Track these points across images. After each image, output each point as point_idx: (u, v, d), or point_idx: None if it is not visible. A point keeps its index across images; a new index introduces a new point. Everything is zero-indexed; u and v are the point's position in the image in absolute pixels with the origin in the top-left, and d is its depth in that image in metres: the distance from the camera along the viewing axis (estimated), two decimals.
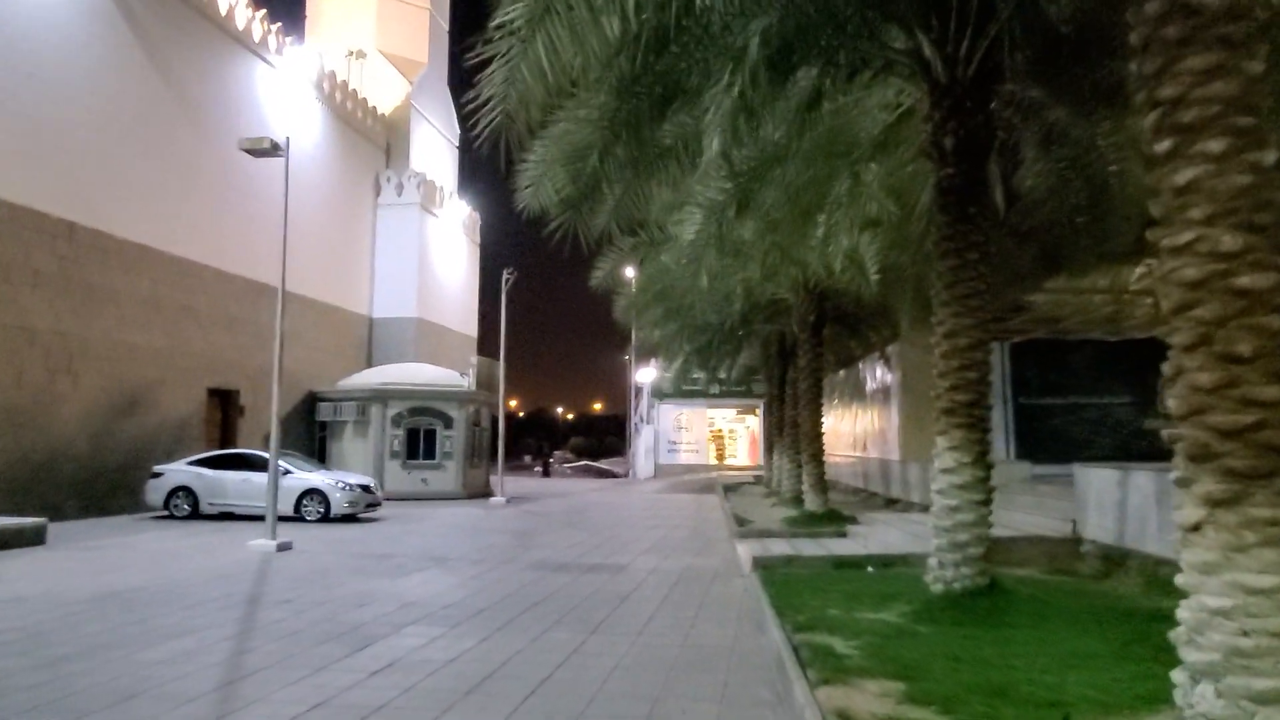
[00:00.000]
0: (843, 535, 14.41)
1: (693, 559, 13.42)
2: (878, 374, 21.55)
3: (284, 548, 13.99)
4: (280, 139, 14.83)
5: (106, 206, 20.35)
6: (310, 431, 28.90)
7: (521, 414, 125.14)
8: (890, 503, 20.33)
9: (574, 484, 40.00)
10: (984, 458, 7.79)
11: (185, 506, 19.51)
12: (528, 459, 64.85)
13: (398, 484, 27.31)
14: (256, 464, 19.59)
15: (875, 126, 10.38)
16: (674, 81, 7.52)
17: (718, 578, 11.40)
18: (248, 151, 14.64)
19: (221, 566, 12.09)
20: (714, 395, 43.22)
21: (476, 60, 6.93)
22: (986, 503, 7.76)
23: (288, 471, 19.38)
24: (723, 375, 37.15)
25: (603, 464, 63.09)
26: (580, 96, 8.07)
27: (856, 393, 24.86)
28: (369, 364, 32.67)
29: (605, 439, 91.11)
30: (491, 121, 6.99)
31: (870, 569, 10.01)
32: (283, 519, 18.86)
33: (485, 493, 28.43)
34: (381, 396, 27.66)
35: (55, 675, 6.50)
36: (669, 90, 7.65)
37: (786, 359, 23.33)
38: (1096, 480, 9.64)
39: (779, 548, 12.81)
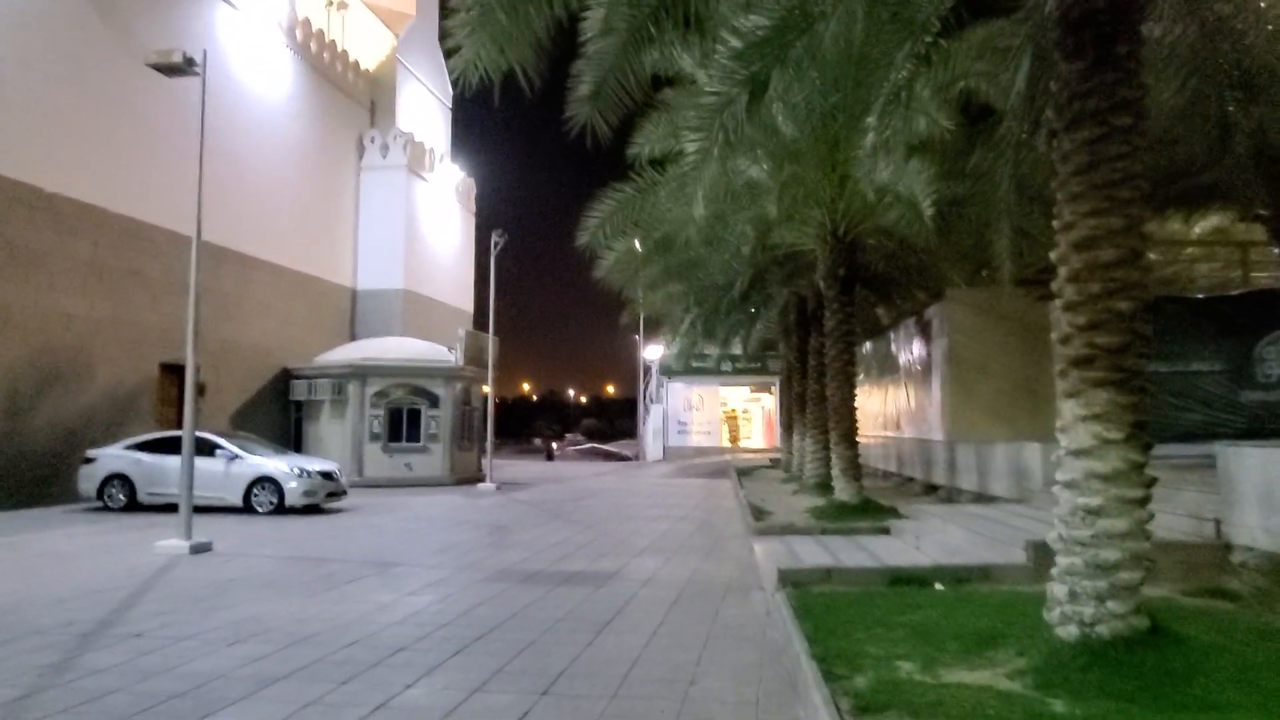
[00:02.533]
0: (884, 532, 11.77)
1: (700, 563, 10.79)
2: (914, 342, 18.80)
3: (200, 550, 11.45)
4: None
5: (33, 157, 17.77)
6: (285, 412, 26.40)
7: (535, 396, 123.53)
8: (930, 489, 17.64)
9: (578, 468, 37.44)
10: (1141, 433, 5.11)
11: (121, 497, 17.03)
12: (538, 442, 62.50)
13: (379, 469, 24.84)
14: (203, 448, 16.98)
15: None
16: None
17: (731, 592, 8.78)
18: (157, 68, 11.99)
19: (101, 578, 9.53)
20: (726, 372, 40.48)
21: None
22: (1144, 501, 5.08)
23: (235, 456, 16.90)
24: (735, 350, 34.49)
25: (611, 446, 60.46)
26: None
27: (886, 365, 22.11)
28: (353, 339, 30.13)
29: (617, 421, 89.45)
30: None
31: (939, 586, 7.35)
32: (232, 511, 16.57)
33: (476, 478, 25.87)
34: (360, 373, 25.08)
35: None
36: None
37: (808, 327, 20.62)
38: (1259, 466, 6.95)
39: (809, 551, 10.17)
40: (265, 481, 16.75)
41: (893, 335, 21.37)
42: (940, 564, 7.97)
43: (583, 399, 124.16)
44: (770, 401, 42.42)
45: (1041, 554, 7.40)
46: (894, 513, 13.32)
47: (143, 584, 9.20)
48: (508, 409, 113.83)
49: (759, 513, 14.32)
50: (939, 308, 16.47)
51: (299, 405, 26.31)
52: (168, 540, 11.53)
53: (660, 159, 14.78)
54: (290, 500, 16.60)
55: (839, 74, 12.55)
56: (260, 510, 16.57)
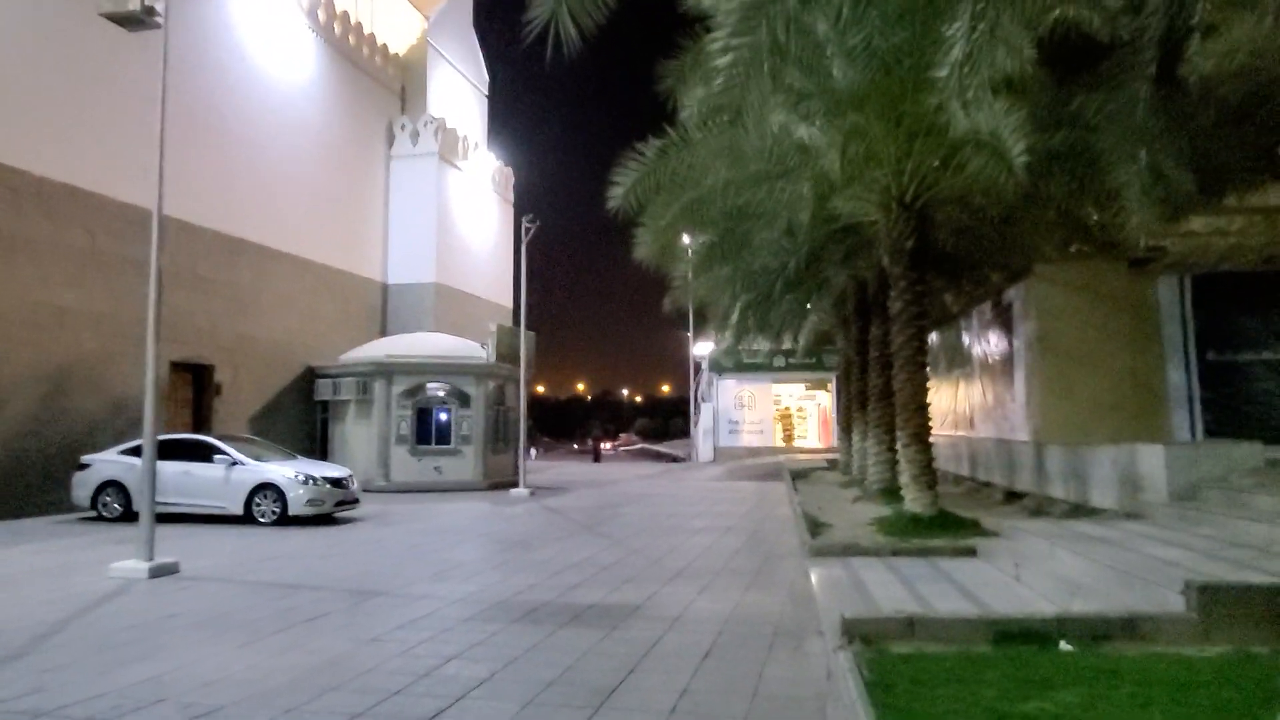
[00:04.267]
0: (969, 554, 9.72)
1: (743, 593, 8.87)
2: (990, 329, 16.62)
3: (161, 572, 9.87)
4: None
5: (18, 139, 16.49)
6: (309, 413, 25.03)
7: (589, 396, 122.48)
8: (1011, 496, 15.45)
9: (624, 470, 35.66)
10: None
11: (116, 506, 15.66)
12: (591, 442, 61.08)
13: (407, 473, 23.34)
14: (201, 453, 15.68)
15: None
16: None
17: (781, 638, 6.86)
18: (111, 19, 10.44)
19: (20, 611, 7.95)
20: (779, 368, 38.30)
21: None
22: None
23: (235, 462, 15.41)
24: (787, 345, 32.36)
25: (663, 447, 58.68)
26: None
27: (956, 357, 19.88)
28: (384, 335, 28.68)
29: (671, 420, 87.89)
30: None
31: (1067, 646, 5.34)
32: (232, 521, 15.13)
33: (511, 482, 24.16)
34: (386, 371, 23.58)
35: None
36: None
37: (868, 315, 18.51)
38: None
39: (879, 581, 8.20)
40: (267, 489, 15.23)
41: (963, 323, 19.15)
42: (1065, 612, 5.93)
43: (637, 399, 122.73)
44: (826, 399, 40.13)
45: (1213, 602, 5.36)
46: (977, 527, 11.23)
47: (64, 620, 7.58)
48: (561, 409, 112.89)
49: (816, 526, 12.33)
50: (1023, 287, 14.27)
51: (324, 406, 24.92)
52: (126, 561, 9.96)
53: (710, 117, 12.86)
54: (294, 509, 15.07)
55: (905, 3, 10.60)
56: (262, 521, 15.07)
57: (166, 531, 14.07)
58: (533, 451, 60.81)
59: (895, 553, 9.92)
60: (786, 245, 14.26)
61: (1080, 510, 12.00)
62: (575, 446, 65.15)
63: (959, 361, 19.58)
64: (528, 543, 12.85)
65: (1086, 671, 4.90)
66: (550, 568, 10.50)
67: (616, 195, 12.99)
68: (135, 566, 9.81)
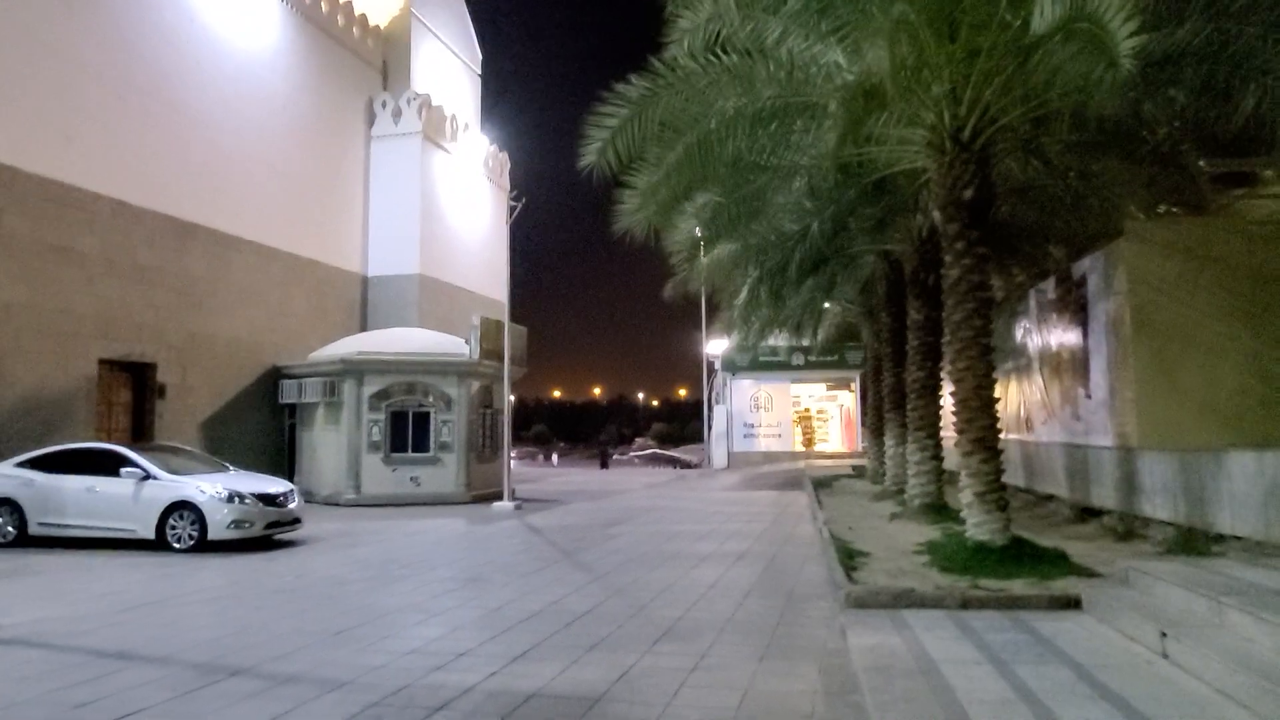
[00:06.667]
0: (1071, 606, 6.99)
1: (756, 669, 6.16)
2: (1055, 312, 13.84)
3: None
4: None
5: None
6: (276, 419, 22.52)
7: (604, 401, 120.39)
8: (1086, 514, 12.68)
9: (631, 477, 32.95)
10: None
11: (10, 529, 13.16)
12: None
13: (379, 485, 20.75)
14: (104, 464, 13.13)
15: None
16: None
17: None
18: None
19: None
20: (798, 366, 35.49)
21: None
22: None
23: (147, 476, 12.86)
24: (806, 342, 29.61)
25: (676, 452, 56.10)
26: None
27: (1005, 349, 17.00)
28: (364, 331, 26.12)
29: (688, 425, 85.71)
30: None
31: None
32: (142, 547, 12.60)
33: (499, 493, 21.51)
34: (355, 370, 20.97)
35: None
36: None
37: (902, 300, 15.71)
38: None
39: (956, 659, 5.47)
40: (185, 509, 12.67)
41: (1018, 308, 16.36)
42: None
43: (654, 402, 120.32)
44: (850, 399, 37.28)
45: None
46: (1067, 563, 8.50)
47: None
48: (578, 413, 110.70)
49: (850, 556, 9.62)
50: (1104, 256, 11.47)
51: (291, 410, 22.40)
52: None
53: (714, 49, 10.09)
54: (215, 533, 12.52)
55: None
56: (177, 546, 12.53)
57: (51, 562, 11.58)
58: (555, 457, 58.63)
59: (965, 604, 7.20)
60: (809, 206, 11.54)
61: (1195, 536, 9.22)
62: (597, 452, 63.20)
63: (1010, 354, 16.76)
64: (486, 578, 10.18)
65: None
66: (500, 620, 7.84)
67: (591, 151, 10.27)
68: None
